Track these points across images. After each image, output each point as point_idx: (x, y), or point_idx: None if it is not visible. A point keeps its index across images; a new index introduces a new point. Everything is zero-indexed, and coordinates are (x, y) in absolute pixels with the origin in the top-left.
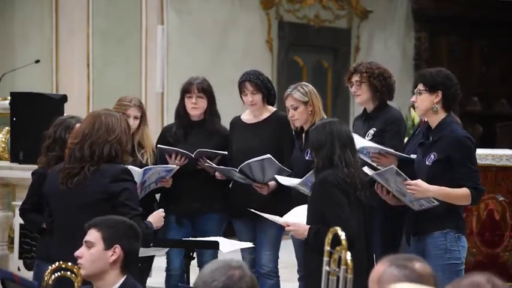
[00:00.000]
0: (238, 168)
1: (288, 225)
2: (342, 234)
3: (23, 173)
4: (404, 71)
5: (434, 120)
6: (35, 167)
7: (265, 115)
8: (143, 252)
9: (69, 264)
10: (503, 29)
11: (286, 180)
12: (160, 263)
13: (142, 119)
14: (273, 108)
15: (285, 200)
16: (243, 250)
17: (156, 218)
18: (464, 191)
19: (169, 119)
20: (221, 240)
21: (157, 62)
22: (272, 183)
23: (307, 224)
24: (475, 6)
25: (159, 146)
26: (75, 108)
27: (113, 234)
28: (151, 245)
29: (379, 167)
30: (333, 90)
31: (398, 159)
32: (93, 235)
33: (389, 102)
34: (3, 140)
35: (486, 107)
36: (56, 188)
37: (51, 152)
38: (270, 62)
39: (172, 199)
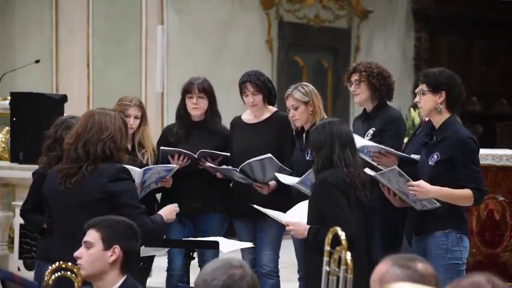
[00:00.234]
0: (239, 167)
1: (288, 225)
2: (342, 234)
3: (23, 173)
4: (405, 71)
5: (438, 121)
6: (35, 167)
7: (266, 115)
8: (143, 252)
9: (69, 264)
10: (503, 29)
11: (285, 178)
12: (160, 263)
13: (143, 118)
14: (273, 108)
15: (285, 199)
16: (243, 250)
17: (168, 210)
18: (467, 192)
19: (169, 119)
20: (221, 240)
21: (157, 62)
22: (272, 183)
23: (308, 224)
24: (475, 6)
25: (161, 148)
26: (75, 108)
27: (112, 234)
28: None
29: (379, 167)
30: (333, 90)
31: (399, 159)
32: (92, 235)
33: (389, 102)
34: (3, 140)
35: (486, 107)
36: (54, 188)
37: (51, 152)
38: (270, 62)
39: (174, 199)
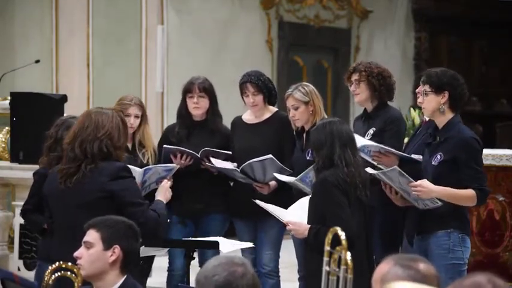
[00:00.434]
0: (240, 168)
1: (289, 224)
2: (342, 234)
3: (23, 173)
4: (405, 71)
5: (441, 121)
6: (35, 167)
7: (267, 115)
8: (143, 252)
9: (69, 264)
10: (503, 29)
11: (284, 177)
12: (160, 263)
13: (143, 118)
14: (274, 109)
15: (285, 199)
16: (243, 250)
17: (163, 192)
18: (470, 192)
19: (169, 118)
20: (221, 240)
21: (157, 62)
22: (273, 183)
23: (308, 223)
24: (475, 6)
25: (164, 146)
26: (75, 108)
27: (112, 234)
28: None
29: (380, 166)
30: (333, 90)
31: (399, 159)
32: (92, 235)
33: (389, 102)
34: (3, 140)
35: (486, 107)
36: (55, 188)
37: (52, 152)
38: (270, 62)
39: (176, 199)
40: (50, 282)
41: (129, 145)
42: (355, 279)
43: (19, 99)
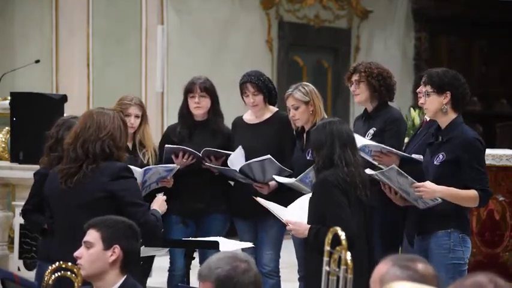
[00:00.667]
0: (239, 168)
1: (289, 224)
2: (342, 234)
3: (23, 173)
4: (405, 71)
5: (444, 121)
6: (35, 167)
7: (267, 115)
8: (143, 252)
9: (69, 264)
10: (503, 29)
11: (284, 179)
12: (161, 263)
13: (143, 117)
14: (274, 109)
15: (285, 199)
16: (243, 250)
17: (159, 203)
18: (472, 192)
19: (170, 118)
20: (221, 240)
21: (157, 62)
22: (272, 183)
23: (308, 223)
24: (475, 6)
25: (166, 145)
26: (75, 108)
27: (112, 234)
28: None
29: (380, 166)
30: (333, 90)
31: (400, 159)
32: (92, 235)
33: (389, 103)
34: (3, 140)
35: (486, 107)
36: (55, 188)
37: (53, 152)
38: (270, 62)
39: (177, 198)
40: (50, 282)
41: (130, 145)
42: (355, 279)
43: (19, 99)
